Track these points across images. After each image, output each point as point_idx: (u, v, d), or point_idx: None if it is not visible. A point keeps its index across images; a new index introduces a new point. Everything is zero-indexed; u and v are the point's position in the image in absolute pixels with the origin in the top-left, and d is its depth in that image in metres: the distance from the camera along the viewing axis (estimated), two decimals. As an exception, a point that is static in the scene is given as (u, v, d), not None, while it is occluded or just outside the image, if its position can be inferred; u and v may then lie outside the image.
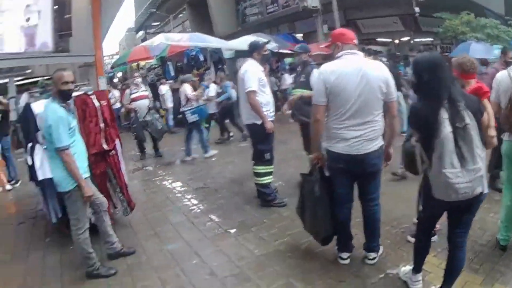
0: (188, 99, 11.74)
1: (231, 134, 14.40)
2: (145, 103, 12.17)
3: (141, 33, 57.25)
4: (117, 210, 6.98)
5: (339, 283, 4.68)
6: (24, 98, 15.77)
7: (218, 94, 14.04)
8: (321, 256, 5.26)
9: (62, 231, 6.66)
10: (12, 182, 11.35)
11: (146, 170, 11.24)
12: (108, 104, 6.79)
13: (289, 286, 4.73)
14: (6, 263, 6.46)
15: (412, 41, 23.69)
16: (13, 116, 12.27)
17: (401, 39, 24.06)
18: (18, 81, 18.76)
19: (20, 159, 11.83)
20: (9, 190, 10.84)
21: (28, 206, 9.14)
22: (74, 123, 5.21)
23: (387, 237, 5.53)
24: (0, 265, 6.39)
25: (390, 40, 22.82)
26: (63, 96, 5.10)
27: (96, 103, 6.42)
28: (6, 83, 17.96)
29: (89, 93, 6.60)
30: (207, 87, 14.01)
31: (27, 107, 6.50)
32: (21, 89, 18.08)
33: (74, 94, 5.81)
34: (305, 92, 7.36)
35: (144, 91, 12.46)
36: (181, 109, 11.84)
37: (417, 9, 20.08)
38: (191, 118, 11.61)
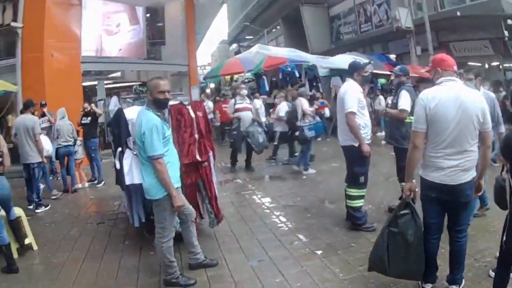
0: (304, 114, 11.70)
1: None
2: (248, 114, 12.32)
3: (234, 45, 58.31)
4: (204, 220, 6.97)
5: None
6: (113, 101, 16.45)
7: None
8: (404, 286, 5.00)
9: (145, 234, 6.77)
10: (95, 182, 11.99)
11: (236, 183, 11.21)
12: (204, 115, 6.80)
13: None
14: (80, 261, 6.63)
15: (501, 66, 22.67)
16: (101, 118, 12.74)
17: (491, 64, 23.09)
18: (107, 84, 19.40)
19: (106, 160, 12.22)
20: (74, 191, 11.37)
21: (109, 208, 9.42)
22: (169, 132, 5.20)
23: (469, 269, 5.21)
24: (74, 262, 6.58)
25: (480, 64, 21.94)
26: (158, 105, 5.09)
27: (192, 114, 6.43)
28: (95, 85, 18.66)
29: (185, 103, 6.65)
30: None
31: (120, 112, 6.62)
32: (110, 92, 18.79)
33: (170, 103, 5.75)
34: (391, 111, 7.27)
35: (248, 103, 12.61)
36: (298, 124, 11.83)
37: (506, 33, 19.21)
38: (309, 133, 11.59)
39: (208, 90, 25.51)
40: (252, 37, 52.01)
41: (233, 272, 5.69)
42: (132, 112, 6.33)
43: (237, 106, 12.47)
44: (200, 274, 5.64)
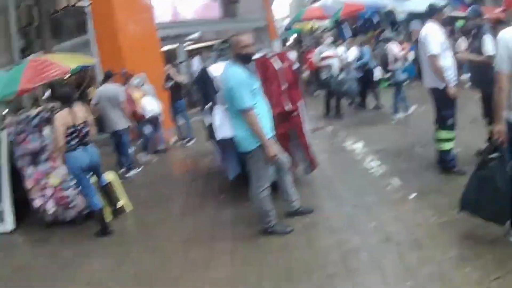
0: (396, 59, 11.57)
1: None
2: (335, 62, 12.26)
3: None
4: (298, 168, 7.05)
5: (509, 258, 4.35)
6: (196, 61, 16.65)
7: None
8: (492, 231, 4.79)
9: (239, 186, 6.89)
10: (184, 142, 12.27)
11: (327, 131, 11.24)
12: (289, 65, 6.84)
13: (461, 257, 4.48)
14: (177, 216, 7.00)
15: None
16: (185, 79, 12.98)
17: None
18: (187, 46, 19.59)
19: (194, 119, 12.51)
20: (163, 151, 11.69)
21: (201, 165, 9.70)
22: (257, 84, 5.25)
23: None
24: (168, 220, 6.94)
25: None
26: (243, 59, 5.15)
27: (277, 65, 6.48)
28: (175, 48, 18.91)
29: (269, 55, 6.71)
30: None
31: (204, 70, 6.80)
32: (191, 53, 19.00)
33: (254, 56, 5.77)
34: (475, 57, 7.02)
35: (334, 50, 12.54)
36: (390, 67, 11.73)
37: None
38: (402, 76, 11.52)
39: (288, 42, 25.30)
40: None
41: (328, 218, 5.80)
42: (216, 69, 6.49)
43: (324, 54, 12.44)
44: (297, 222, 5.74)
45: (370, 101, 13.40)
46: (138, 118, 10.81)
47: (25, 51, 17.48)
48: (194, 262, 5.45)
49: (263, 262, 5.01)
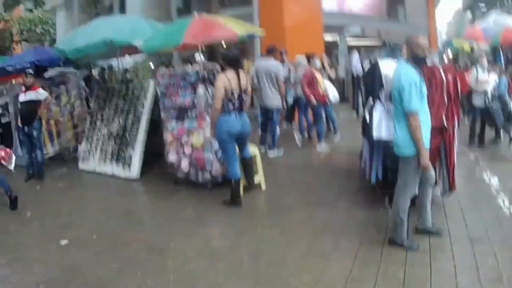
0: None
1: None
2: (490, 88, 11.49)
3: (467, 12, 54.84)
4: (436, 188, 6.69)
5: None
6: (355, 57, 16.52)
7: None
8: None
9: (377, 190, 6.85)
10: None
11: (468, 158, 10.45)
12: (453, 79, 6.55)
13: None
14: (310, 204, 7.01)
15: None
16: (341, 73, 12.83)
17: None
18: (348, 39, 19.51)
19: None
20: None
21: (344, 160, 9.62)
22: (425, 90, 5.10)
23: None
24: (303, 205, 7.02)
25: None
26: (416, 61, 5.03)
27: (443, 76, 6.23)
28: (336, 40, 18.83)
29: (436, 64, 6.47)
30: None
31: (375, 65, 6.66)
32: (350, 48, 18.88)
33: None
34: None
35: (487, 75, 11.77)
36: None
37: None
38: None
39: (445, 57, 24.49)
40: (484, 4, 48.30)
41: (453, 244, 5.51)
42: (386, 66, 6.33)
43: (480, 77, 11.78)
44: (423, 240, 5.54)
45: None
46: (321, 100, 10.75)
47: (182, 11, 18.19)
48: (316, 252, 5.46)
49: (382, 270, 4.90)
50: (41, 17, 18.18)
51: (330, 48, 17.99)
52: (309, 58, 11.15)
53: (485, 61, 12.02)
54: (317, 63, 11.30)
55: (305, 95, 10.61)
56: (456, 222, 6.24)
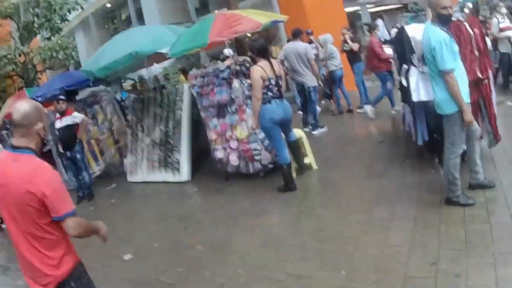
0: None
1: None
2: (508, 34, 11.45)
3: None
4: (482, 141, 6.66)
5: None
6: (380, 24, 16.32)
7: None
8: None
9: (426, 152, 6.88)
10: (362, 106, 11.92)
11: (507, 105, 10.36)
12: (480, 31, 6.53)
13: None
14: (361, 177, 7.03)
15: None
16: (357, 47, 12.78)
17: None
18: (369, 8, 19.33)
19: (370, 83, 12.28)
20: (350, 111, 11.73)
21: (388, 127, 9.67)
22: (456, 48, 5.11)
23: None
24: (353, 180, 7.03)
25: None
26: (442, 20, 5.04)
27: (470, 30, 6.21)
28: (358, 10, 18.70)
29: (461, 19, 6.44)
30: None
31: (402, 30, 6.68)
32: (373, 16, 18.70)
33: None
34: None
35: (509, 22, 11.69)
36: None
37: None
38: None
39: (466, 10, 24.04)
40: None
41: (507, 195, 5.48)
42: (413, 30, 6.37)
43: (501, 25, 11.59)
44: (478, 194, 5.53)
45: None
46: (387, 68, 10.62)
47: (201, 10, 18.27)
48: (375, 223, 5.53)
49: (443, 232, 4.92)
50: (60, 42, 18.37)
51: (353, 20, 17.86)
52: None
53: (503, 9, 11.91)
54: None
55: (384, 58, 10.48)
56: (506, 172, 6.22)
